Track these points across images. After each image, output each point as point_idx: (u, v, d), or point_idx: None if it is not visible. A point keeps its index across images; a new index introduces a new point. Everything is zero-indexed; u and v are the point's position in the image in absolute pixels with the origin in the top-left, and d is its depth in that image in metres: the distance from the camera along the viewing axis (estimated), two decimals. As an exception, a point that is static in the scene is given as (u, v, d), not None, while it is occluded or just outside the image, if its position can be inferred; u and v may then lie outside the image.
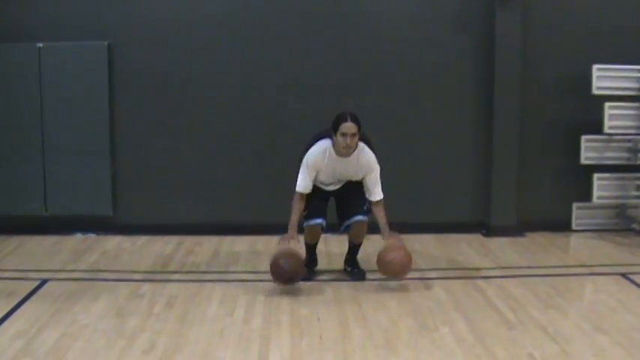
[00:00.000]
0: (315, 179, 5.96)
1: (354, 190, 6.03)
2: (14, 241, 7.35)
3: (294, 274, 5.73)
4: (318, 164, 5.87)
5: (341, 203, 6.11)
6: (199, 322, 5.09)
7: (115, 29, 7.45)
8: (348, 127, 5.67)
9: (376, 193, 5.94)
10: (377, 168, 5.92)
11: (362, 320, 5.13)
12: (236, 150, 7.61)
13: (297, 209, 5.91)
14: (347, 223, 6.06)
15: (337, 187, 6.07)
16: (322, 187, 6.06)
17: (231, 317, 5.20)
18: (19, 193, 7.59)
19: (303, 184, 5.90)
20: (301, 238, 6.09)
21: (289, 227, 5.86)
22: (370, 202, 5.96)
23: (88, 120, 7.51)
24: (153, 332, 4.89)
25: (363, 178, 5.94)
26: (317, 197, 6.03)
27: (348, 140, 5.67)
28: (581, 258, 6.98)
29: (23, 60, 7.43)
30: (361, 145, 5.85)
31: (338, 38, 7.47)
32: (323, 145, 5.86)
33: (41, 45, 7.40)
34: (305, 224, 6.08)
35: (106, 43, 7.42)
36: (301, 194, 5.91)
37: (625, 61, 7.40)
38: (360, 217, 6.01)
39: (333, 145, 5.80)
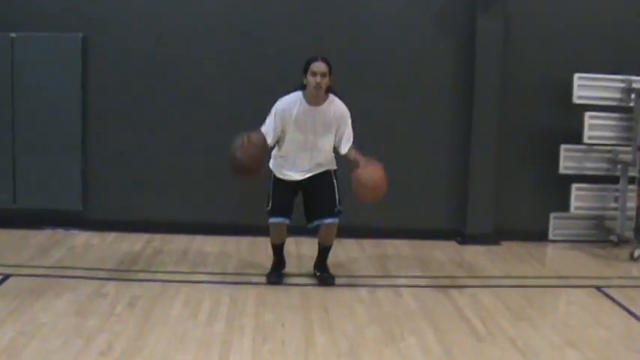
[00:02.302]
0: (288, 135, 5.73)
1: (324, 188, 5.87)
2: (-20, 234, 7.19)
3: (249, 162, 5.43)
4: (287, 113, 5.69)
5: (310, 202, 5.93)
6: (161, 324, 4.96)
7: (90, 21, 7.29)
8: (318, 65, 5.61)
9: (348, 144, 5.78)
10: (349, 115, 5.81)
11: (327, 327, 5.01)
12: (209, 148, 7.46)
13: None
14: (316, 223, 5.92)
15: (307, 175, 5.83)
16: (291, 174, 5.82)
17: (194, 320, 5.07)
18: (-13, 185, 7.44)
19: (265, 126, 5.69)
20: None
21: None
22: (345, 154, 5.77)
23: (60, 113, 7.35)
24: (112, 333, 4.75)
25: (336, 131, 5.78)
26: (283, 192, 5.87)
27: (318, 78, 5.58)
28: (557, 269, 6.90)
29: (-5, 50, 7.27)
30: (332, 96, 5.77)
31: (317, 39, 7.29)
32: (294, 95, 5.76)
33: (14, 35, 7.24)
34: (269, 221, 5.93)
35: (80, 35, 7.27)
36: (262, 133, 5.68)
37: (606, 71, 7.32)
38: (330, 220, 5.88)
39: (304, 95, 5.71)
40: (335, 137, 5.82)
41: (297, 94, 5.75)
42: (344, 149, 5.79)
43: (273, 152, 5.93)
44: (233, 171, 5.55)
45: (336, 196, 5.88)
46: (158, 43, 7.38)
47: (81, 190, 7.49)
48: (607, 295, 5.93)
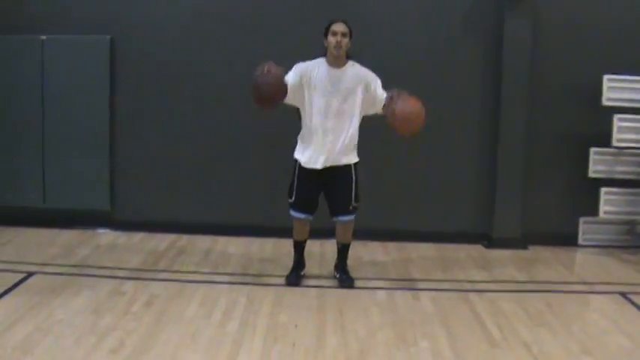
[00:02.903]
0: (311, 101, 5.70)
1: (341, 183, 5.83)
2: (10, 233, 7.30)
3: (269, 90, 5.45)
4: (308, 72, 5.71)
5: (328, 196, 5.92)
6: (174, 323, 5.00)
7: (118, 23, 7.38)
8: (338, 25, 5.67)
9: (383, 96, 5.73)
10: (376, 77, 5.80)
11: (340, 329, 4.98)
12: (235, 150, 7.50)
13: None
14: (333, 219, 5.95)
15: (329, 161, 5.73)
16: (315, 156, 5.73)
17: (207, 319, 5.09)
18: (18, 185, 7.57)
19: (288, 75, 5.66)
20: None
21: None
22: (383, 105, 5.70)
23: (89, 114, 7.45)
24: (124, 331, 4.81)
25: (366, 91, 5.72)
26: (307, 185, 5.85)
27: (339, 37, 5.63)
28: (583, 275, 6.75)
29: (26, 52, 7.39)
30: (353, 61, 5.79)
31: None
32: (315, 60, 5.79)
33: (44, 37, 7.37)
34: (291, 214, 5.94)
35: (108, 37, 7.37)
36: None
37: (636, 72, 7.16)
38: (344, 218, 5.90)
39: (326, 59, 5.74)
40: (370, 100, 5.74)
41: (319, 59, 5.79)
42: (382, 102, 5.70)
43: (300, 134, 5.89)
44: (255, 101, 5.52)
45: (353, 192, 5.85)
46: (186, 44, 7.42)
47: (109, 190, 7.58)
48: (632, 302, 5.77)
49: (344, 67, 5.76)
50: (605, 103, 7.14)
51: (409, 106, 5.49)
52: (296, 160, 5.90)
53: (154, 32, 7.43)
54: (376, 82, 5.78)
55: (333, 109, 5.71)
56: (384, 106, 5.65)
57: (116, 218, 7.64)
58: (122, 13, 7.40)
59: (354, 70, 5.78)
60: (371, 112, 5.83)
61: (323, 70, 5.73)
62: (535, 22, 7.27)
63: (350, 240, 6.08)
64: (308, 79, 5.71)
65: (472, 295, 5.82)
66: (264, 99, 5.48)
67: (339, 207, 5.89)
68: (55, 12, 7.39)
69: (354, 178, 5.86)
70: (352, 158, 5.86)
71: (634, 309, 5.65)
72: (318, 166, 5.77)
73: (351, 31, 5.72)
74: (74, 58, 7.39)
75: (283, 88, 5.54)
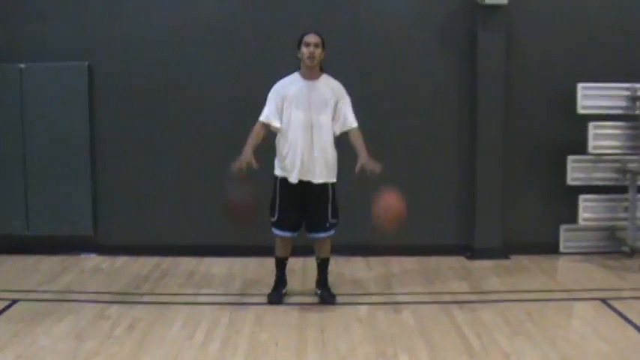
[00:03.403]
0: (289, 115, 5.78)
1: (318, 200, 5.88)
2: (-6, 261, 7.35)
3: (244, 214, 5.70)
4: (284, 90, 5.81)
5: (305, 213, 5.94)
6: (156, 346, 5.02)
7: (95, 50, 7.44)
8: (311, 36, 5.76)
9: (352, 120, 5.87)
10: (346, 93, 5.90)
11: (320, 346, 5.01)
12: (217, 171, 7.50)
13: (255, 135, 5.82)
14: (310, 236, 6.01)
15: (309, 174, 5.79)
16: (295, 164, 5.78)
17: (189, 341, 5.12)
18: (1, 213, 7.58)
19: (266, 112, 5.84)
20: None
21: (244, 149, 5.72)
22: (347, 132, 5.86)
23: (69, 140, 7.49)
24: (107, 355, 4.84)
25: (335, 110, 5.83)
26: (289, 201, 5.88)
27: (312, 48, 5.71)
28: (564, 282, 6.81)
29: (6, 80, 7.44)
30: (325, 74, 5.88)
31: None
32: (289, 76, 5.90)
33: (23, 66, 7.42)
34: (275, 232, 5.98)
35: (86, 63, 7.42)
36: (262, 124, 5.83)
37: (610, 79, 7.25)
38: (321, 235, 5.97)
39: (300, 72, 5.84)
40: (334, 116, 5.84)
41: (293, 74, 5.89)
42: (349, 124, 5.85)
43: (277, 149, 5.92)
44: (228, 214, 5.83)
45: (329, 210, 5.90)
46: (163, 69, 7.48)
47: (91, 215, 7.60)
48: (612, 308, 5.82)
49: (318, 79, 5.85)
50: (581, 111, 7.22)
51: (391, 210, 5.68)
52: (276, 177, 5.94)
53: (131, 57, 7.48)
54: (344, 100, 5.87)
55: (310, 121, 5.78)
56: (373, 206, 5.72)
57: (100, 243, 7.66)
58: (99, 39, 7.45)
59: (328, 82, 5.87)
60: (336, 130, 5.88)
61: (298, 84, 5.82)
62: (508, 33, 7.36)
63: (328, 254, 6.12)
64: (284, 95, 5.80)
65: (453, 307, 5.86)
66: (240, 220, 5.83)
67: (316, 224, 5.94)
68: (32, 40, 7.44)
69: (330, 197, 5.91)
70: (330, 177, 5.90)
71: (614, 314, 5.69)
72: (295, 179, 5.81)
73: (323, 42, 5.82)
74: (53, 85, 7.43)
75: (253, 210, 5.72)
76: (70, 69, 7.43)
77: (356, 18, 7.49)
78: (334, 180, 5.93)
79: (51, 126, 7.48)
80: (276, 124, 5.81)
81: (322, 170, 5.83)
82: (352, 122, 5.87)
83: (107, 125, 7.57)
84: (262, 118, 5.84)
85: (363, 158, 5.71)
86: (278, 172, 5.92)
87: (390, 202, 5.65)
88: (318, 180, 5.83)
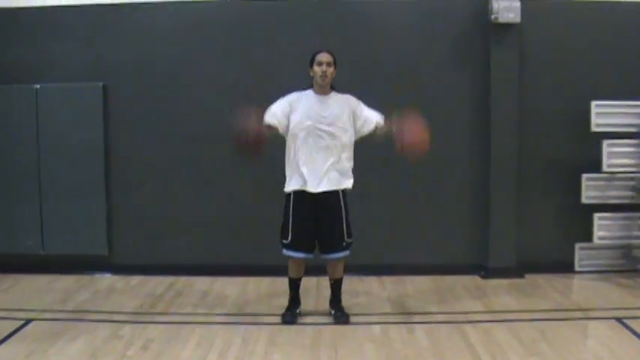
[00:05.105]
0: (299, 121, 5.82)
1: (333, 216, 5.87)
2: (9, 280, 7.37)
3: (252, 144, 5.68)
4: (294, 100, 5.88)
5: (319, 231, 5.91)
6: (169, 367, 5.03)
7: (110, 70, 7.52)
8: (323, 55, 5.84)
9: (375, 116, 5.95)
10: (359, 100, 5.98)
11: (333, 366, 5.01)
12: (231, 190, 7.56)
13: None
14: (324, 257, 5.98)
15: (322, 185, 5.80)
16: (307, 176, 5.80)
17: (202, 361, 5.13)
18: (16, 232, 7.65)
19: (271, 110, 5.88)
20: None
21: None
22: (376, 127, 5.93)
23: (84, 160, 7.56)
24: (120, 376, 4.85)
25: (353, 114, 5.90)
26: (301, 220, 5.86)
27: (324, 67, 5.79)
28: (579, 301, 6.75)
29: (21, 101, 7.53)
30: (335, 91, 5.95)
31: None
32: (303, 91, 5.96)
33: (38, 87, 7.51)
34: (287, 254, 5.96)
35: (101, 84, 7.50)
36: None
37: (624, 97, 7.22)
38: (335, 255, 5.95)
39: (312, 89, 5.92)
40: (356, 124, 5.92)
41: (307, 90, 5.96)
42: (376, 119, 5.93)
43: (287, 165, 5.94)
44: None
45: (344, 226, 5.89)
46: (176, 89, 7.54)
47: (106, 235, 7.65)
48: (628, 327, 5.77)
49: (329, 95, 5.92)
50: (594, 129, 7.20)
51: (415, 136, 5.64)
52: (288, 195, 5.94)
53: (145, 77, 7.55)
54: (360, 106, 5.97)
55: (321, 134, 5.81)
56: (395, 131, 5.74)
57: (114, 262, 7.70)
58: (113, 60, 7.52)
59: (337, 97, 5.94)
60: (365, 131, 5.96)
61: (311, 97, 5.90)
62: (521, 51, 7.36)
63: (341, 275, 6.11)
64: (297, 106, 5.85)
65: (467, 327, 5.83)
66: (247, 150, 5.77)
67: (332, 244, 5.92)
68: (47, 61, 7.53)
69: (343, 210, 5.89)
70: (342, 183, 5.90)
71: (629, 334, 5.64)
72: (312, 188, 5.81)
73: (335, 61, 5.87)
74: (68, 106, 7.51)
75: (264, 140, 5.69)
76: (84, 90, 7.51)
77: (369, 36, 7.52)
78: (347, 186, 5.93)
79: (66, 146, 7.55)
80: (273, 120, 5.85)
81: (334, 177, 5.86)
82: (376, 118, 5.94)
83: (122, 145, 7.62)
84: (266, 116, 5.86)
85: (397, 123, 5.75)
86: (289, 188, 5.92)
87: (413, 128, 5.65)
88: (330, 187, 5.84)
